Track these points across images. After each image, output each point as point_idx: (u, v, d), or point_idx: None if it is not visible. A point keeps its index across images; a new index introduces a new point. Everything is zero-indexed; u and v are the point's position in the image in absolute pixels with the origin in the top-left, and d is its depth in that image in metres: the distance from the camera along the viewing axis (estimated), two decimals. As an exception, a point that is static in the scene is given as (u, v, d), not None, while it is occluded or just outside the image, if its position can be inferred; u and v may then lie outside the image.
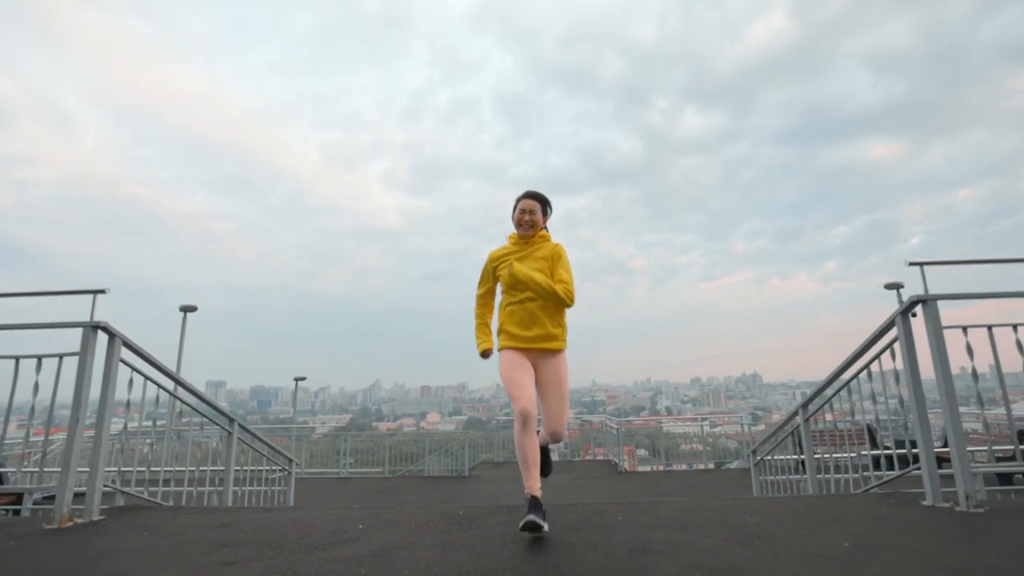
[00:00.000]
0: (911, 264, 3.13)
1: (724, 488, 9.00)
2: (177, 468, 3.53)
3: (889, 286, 14.07)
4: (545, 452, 2.91)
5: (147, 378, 3.17)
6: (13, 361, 2.94)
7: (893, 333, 2.97)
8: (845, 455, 3.83)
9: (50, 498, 6.68)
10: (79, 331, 2.85)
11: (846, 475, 3.81)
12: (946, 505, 2.62)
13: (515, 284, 2.65)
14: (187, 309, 13.24)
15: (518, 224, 2.80)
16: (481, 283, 2.90)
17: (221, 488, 3.99)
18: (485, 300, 2.92)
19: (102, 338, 2.92)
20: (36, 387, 2.91)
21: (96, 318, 2.90)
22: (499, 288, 2.85)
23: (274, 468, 5.20)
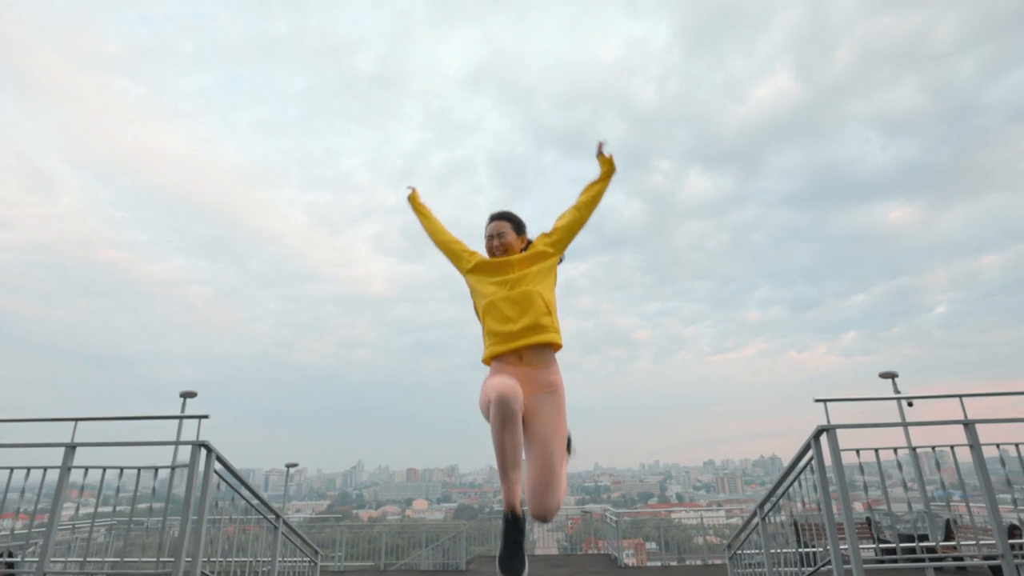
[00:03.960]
0: (816, 400, 4.34)
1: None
2: (240, 559, 4.58)
3: (884, 375, 15.47)
4: (517, 541, 2.14)
5: (230, 485, 4.32)
6: (135, 470, 4.11)
7: (811, 453, 4.16)
8: (791, 550, 4.90)
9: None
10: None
11: (790, 568, 4.88)
12: (846, 589, 3.73)
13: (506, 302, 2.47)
14: (187, 395, 14.31)
15: (489, 252, 2.67)
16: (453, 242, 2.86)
17: (268, 577, 5.01)
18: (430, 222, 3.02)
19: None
20: (154, 491, 4.06)
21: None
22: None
23: (304, 559, 6.20)
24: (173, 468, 4.06)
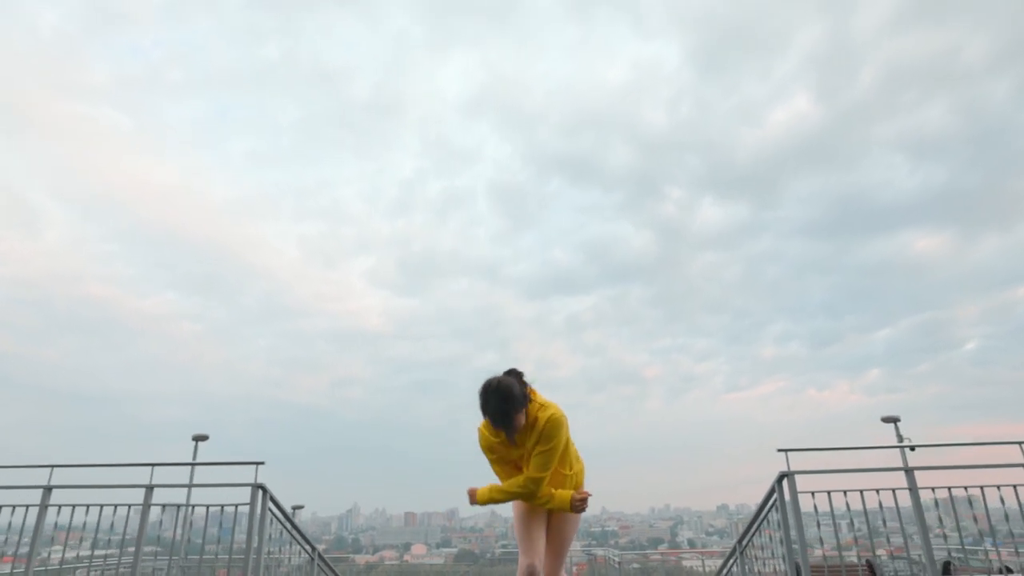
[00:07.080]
0: (779, 451, 5.25)
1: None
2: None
3: (887, 419, 16.36)
4: None
5: (281, 523, 5.26)
6: (202, 508, 5.05)
7: (775, 496, 5.08)
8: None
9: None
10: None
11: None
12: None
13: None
14: (199, 438, 15.17)
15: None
16: (487, 457, 2.98)
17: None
18: (498, 468, 2.99)
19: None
20: (220, 526, 4.99)
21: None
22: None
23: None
24: (236, 507, 4.99)
